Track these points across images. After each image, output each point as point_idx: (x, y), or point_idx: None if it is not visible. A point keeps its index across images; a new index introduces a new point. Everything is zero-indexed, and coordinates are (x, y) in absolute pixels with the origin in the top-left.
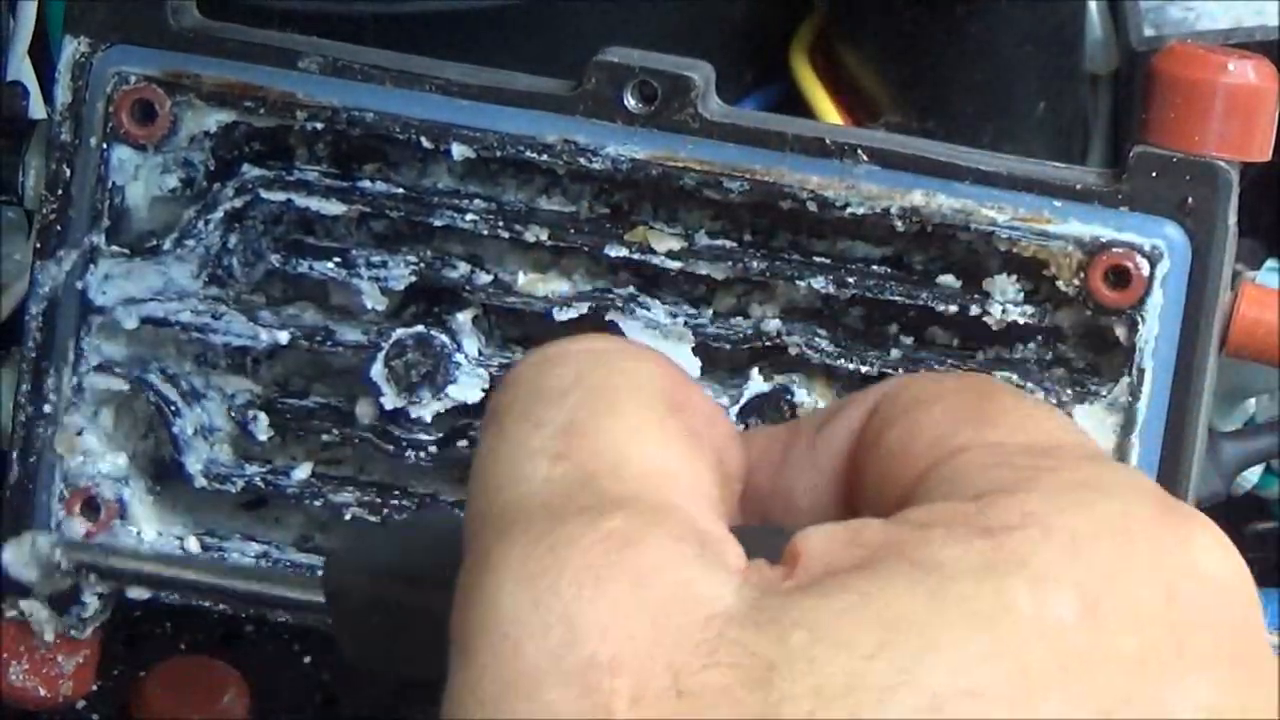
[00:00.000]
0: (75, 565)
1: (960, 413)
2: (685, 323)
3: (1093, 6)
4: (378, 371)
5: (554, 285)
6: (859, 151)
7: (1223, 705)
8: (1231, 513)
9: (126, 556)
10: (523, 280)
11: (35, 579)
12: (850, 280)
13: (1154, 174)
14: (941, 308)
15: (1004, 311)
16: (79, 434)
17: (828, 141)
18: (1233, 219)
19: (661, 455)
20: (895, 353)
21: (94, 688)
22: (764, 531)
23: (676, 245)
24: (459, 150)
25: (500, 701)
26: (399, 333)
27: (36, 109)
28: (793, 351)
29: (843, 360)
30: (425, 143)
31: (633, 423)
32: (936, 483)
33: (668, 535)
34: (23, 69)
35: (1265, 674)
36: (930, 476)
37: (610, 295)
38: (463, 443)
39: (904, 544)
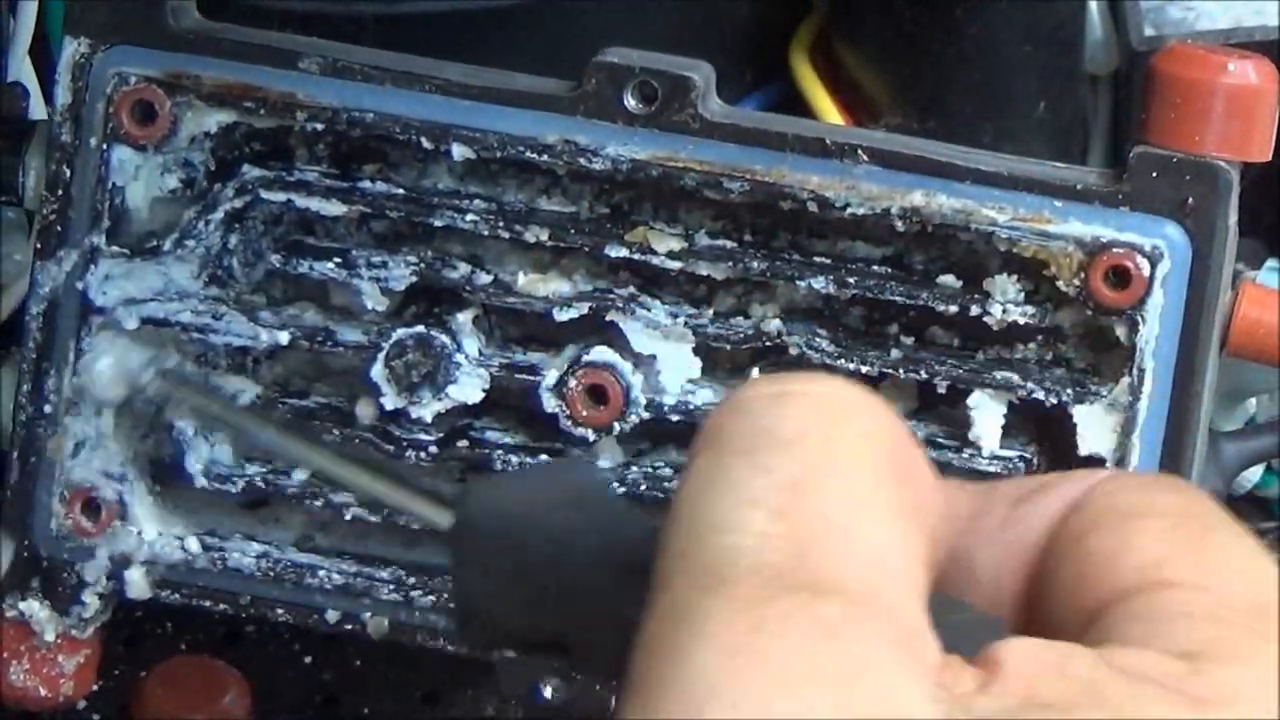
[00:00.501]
0: (162, 397)
1: (1178, 540)
2: (685, 323)
3: (1093, 6)
4: (378, 372)
5: (554, 285)
6: (859, 152)
7: None
8: (1231, 513)
9: (217, 403)
10: (523, 280)
11: (115, 397)
12: (850, 280)
13: (1154, 174)
14: (942, 308)
15: (1004, 311)
16: (78, 435)
17: (828, 142)
18: (1233, 219)
19: (882, 535)
20: (896, 353)
21: (95, 688)
22: (957, 605)
23: (677, 245)
24: (459, 151)
25: None
26: (399, 333)
27: (37, 109)
28: (793, 351)
29: (843, 360)
30: (425, 143)
31: (860, 491)
32: (1142, 614)
33: (876, 632)
34: (23, 69)
35: None
36: (1134, 602)
37: (611, 295)
38: (463, 443)
39: (1112, 695)
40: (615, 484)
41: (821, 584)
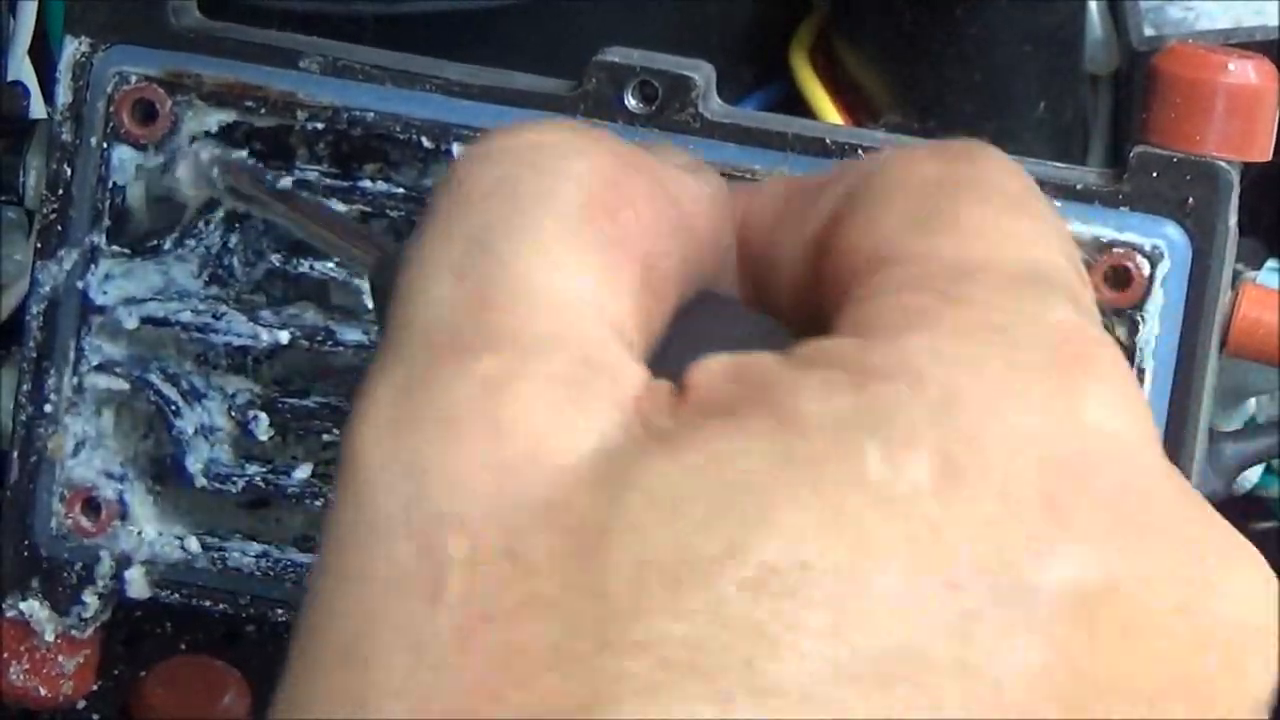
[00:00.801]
0: (228, 186)
1: (920, 209)
2: None
3: (1093, 6)
4: None
5: None
6: (859, 151)
7: (1096, 577)
8: (1231, 513)
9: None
10: None
11: (188, 188)
12: None
13: (1154, 174)
14: None
15: None
16: (78, 435)
17: (828, 141)
18: (1233, 219)
19: (565, 276)
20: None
21: (94, 687)
22: (737, 319)
23: None
24: (460, 150)
25: (349, 548)
26: None
27: (37, 109)
28: None
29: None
30: (426, 143)
31: (543, 237)
32: (855, 300)
33: (541, 377)
34: (23, 69)
35: (1155, 540)
36: (855, 289)
37: None
38: None
39: (776, 390)
40: None
41: (488, 341)
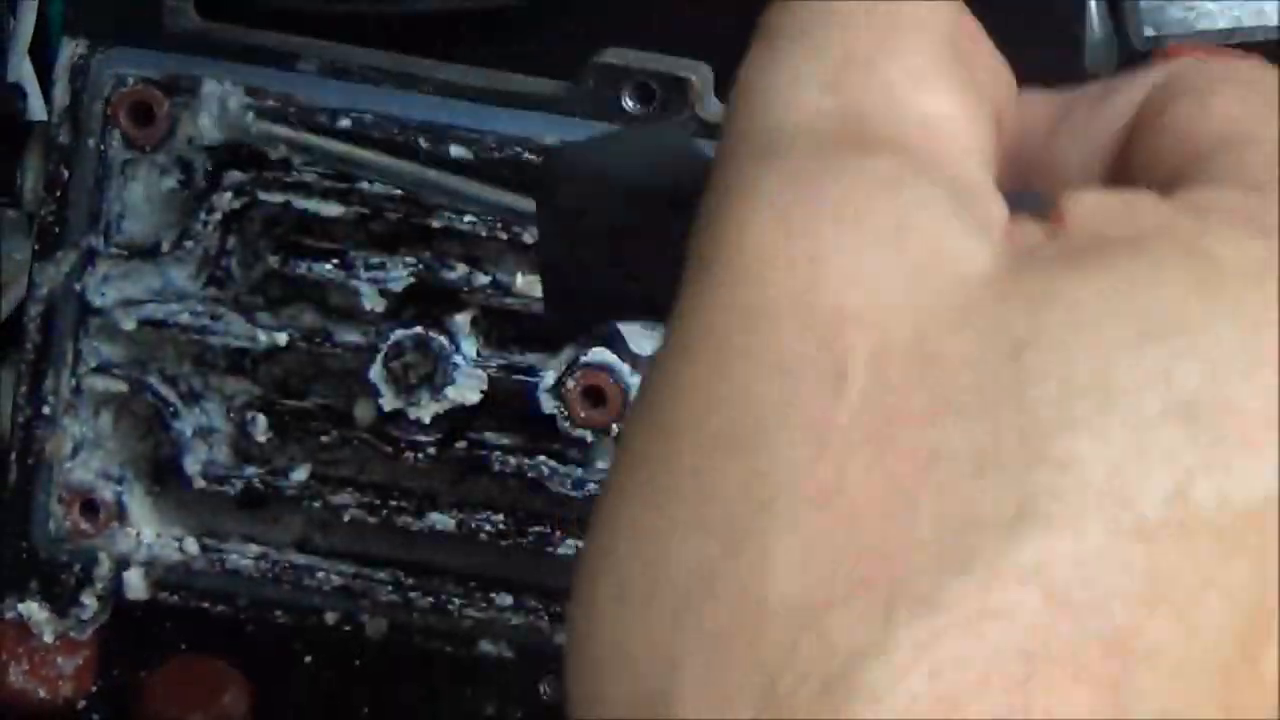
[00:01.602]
0: (263, 134)
1: (1257, 102)
2: None
3: (1093, 6)
4: (376, 373)
5: None
6: None
7: None
8: None
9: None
10: (521, 281)
11: (220, 136)
12: None
13: None
14: None
15: None
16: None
17: None
18: None
19: (939, 103)
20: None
21: (93, 688)
22: (1029, 197)
23: None
24: (457, 151)
25: (732, 334)
26: (397, 334)
27: (36, 110)
28: None
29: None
30: (424, 144)
31: (915, 65)
32: (1219, 169)
33: (933, 185)
34: (22, 70)
35: None
36: (1213, 161)
37: None
38: (461, 444)
39: (1180, 229)
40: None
41: (875, 143)
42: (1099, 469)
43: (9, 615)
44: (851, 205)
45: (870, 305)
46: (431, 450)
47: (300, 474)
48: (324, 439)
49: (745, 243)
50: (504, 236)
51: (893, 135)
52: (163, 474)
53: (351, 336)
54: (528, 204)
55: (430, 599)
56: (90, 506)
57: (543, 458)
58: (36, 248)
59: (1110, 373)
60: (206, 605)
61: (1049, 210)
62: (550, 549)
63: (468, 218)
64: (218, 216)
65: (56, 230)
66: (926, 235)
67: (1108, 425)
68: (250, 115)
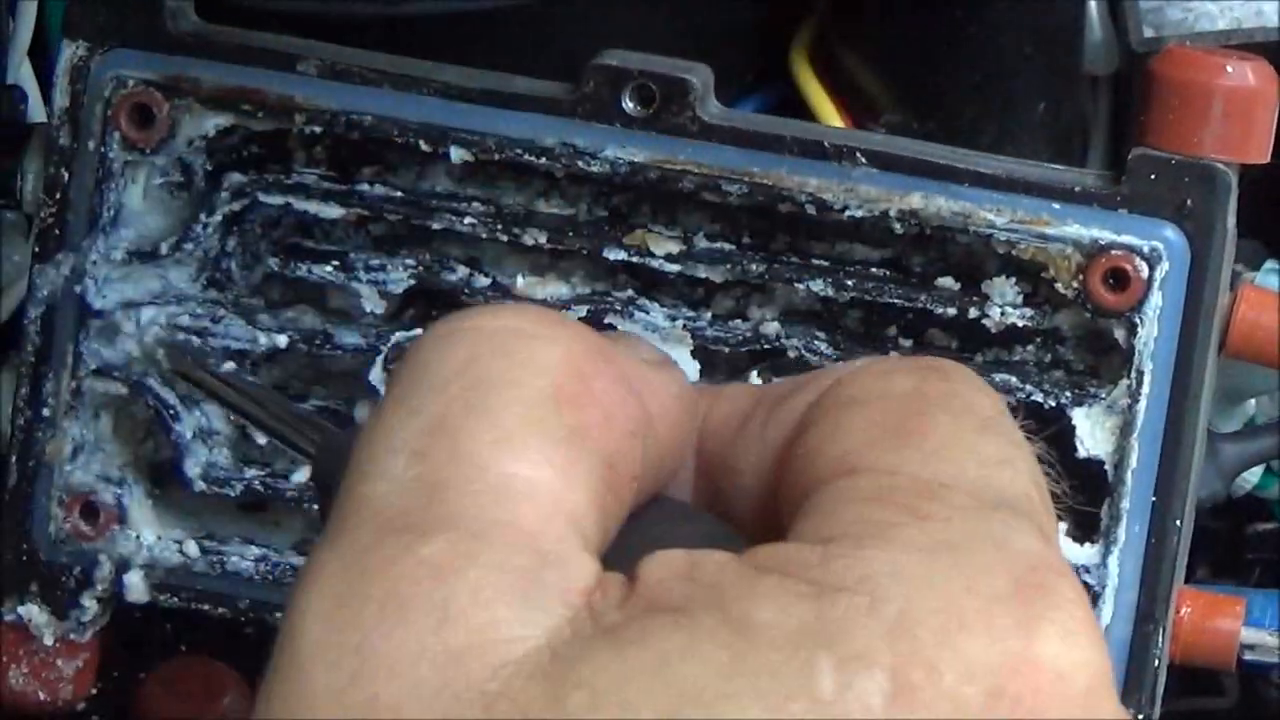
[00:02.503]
0: (171, 369)
1: (884, 424)
2: (684, 325)
3: (1092, 7)
4: (377, 375)
5: (553, 288)
6: (857, 154)
7: None
8: (1231, 513)
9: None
10: (521, 283)
11: (133, 359)
12: (849, 282)
13: (1153, 176)
14: (940, 310)
15: (1003, 314)
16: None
17: (826, 144)
18: (1232, 221)
19: (526, 466)
20: (894, 355)
21: (94, 690)
22: (690, 518)
23: (675, 248)
24: (457, 153)
25: None
26: (398, 336)
27: (36, 112)
28: (792, 354)
29: (842, 363)
30: (424, 146)
31: (504, 424)
32: (815, 506)
33: (491, 566)
34: (22, 72)
35: None
36: (818, 497)
37: (609, 298)
38: None
39: (730, 592)
40: None
41: (436, 523)
42: None
43: (9, 617)
44: (398, 595)
45: (404, 699)
46: None
47: (301, 476)
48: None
49: (302, 635)
50: (504, 238)
51: (461, 510)
52: (163, 477)
53: (352, 339)
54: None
55: None
56: (90, 509)
57: None
58: (36, 250)
59: None
60: (207, 608)
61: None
62: None
63: (468, 219)
64: (218, 218)
65: (56, 232)
66: (471, 622)
67: None
68: (161, 351)
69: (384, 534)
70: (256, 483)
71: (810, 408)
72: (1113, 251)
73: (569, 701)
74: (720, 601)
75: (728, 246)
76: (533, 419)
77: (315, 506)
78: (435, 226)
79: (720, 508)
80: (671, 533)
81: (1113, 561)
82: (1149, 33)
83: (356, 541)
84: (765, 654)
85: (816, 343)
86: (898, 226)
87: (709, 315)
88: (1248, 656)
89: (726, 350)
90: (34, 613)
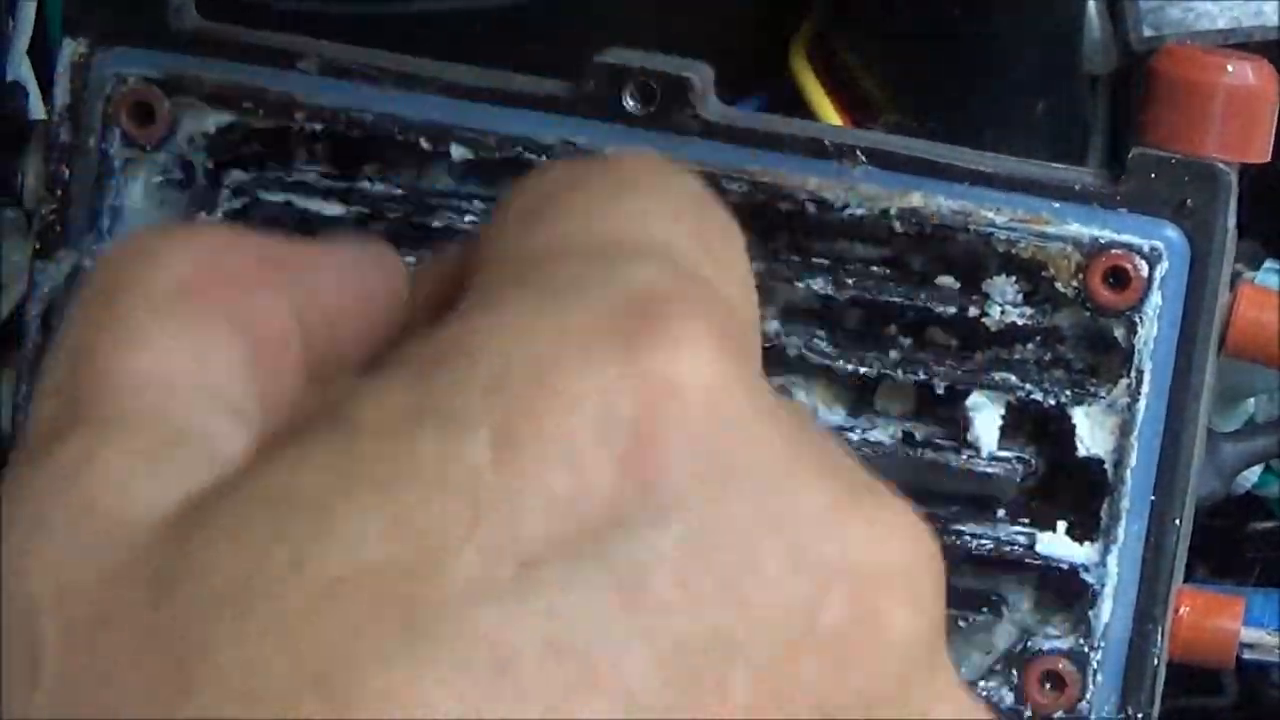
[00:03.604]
0: None
1: (531, 206)
2: None
3: (1092, 7)
4: None
5: None
6: (857, 152)
7: (688, 539)
8: (1231, 513)
9: None
10: None
11: None
12: (849, 281)
13: (1153, 175)
14: (940, 309)
15: (1003, 312)
16: None
17: (826, 143)
18: (1232, 220)
19: (153, 357)
20: (894, 354)
21: None
22: None
23: None
24: (458, 151)
25: None
26: None
27: (36, 110)
28: (791, 353)
29: (842, 361)
30: (424, 144)
31: (130, 324)
32: (453, 301)
33: (124, 451)
34: (22, 69)
35: (745, 488)
36: (457, 292)
37: None
38: None
39: (345, 398)
40: None
41: (70, 427)
42: (248, 677)
43: None
44: (39, 498)
45: (57, 592)
46: None
47: None
48: None
49: None
50: None
51: (96, 411)
52: None
53: None
54: None
55: None
56: None
57: None
58: (37, 247)
59: (255, 575)
60: None
61: None
62: None
63: (468, 217)
64: (218, 216)
65: (57, 229)
66: (107, 504)
67: (248, 629)
68: None
69: (28, 455)
70: None
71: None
72: (1112, 250)
73: (190, 543)
74: (333, 410)
75: None
76: (160, 312)
77: None
78: (436, 224)
79: None
80: None
81: (1112, 560)
82: (1149, 32)
83: (15, 459)
84: (372, 444)
85: (816, 341)
86: (898, 225)
87: None
88: (1247, 655)
89: None
90: None
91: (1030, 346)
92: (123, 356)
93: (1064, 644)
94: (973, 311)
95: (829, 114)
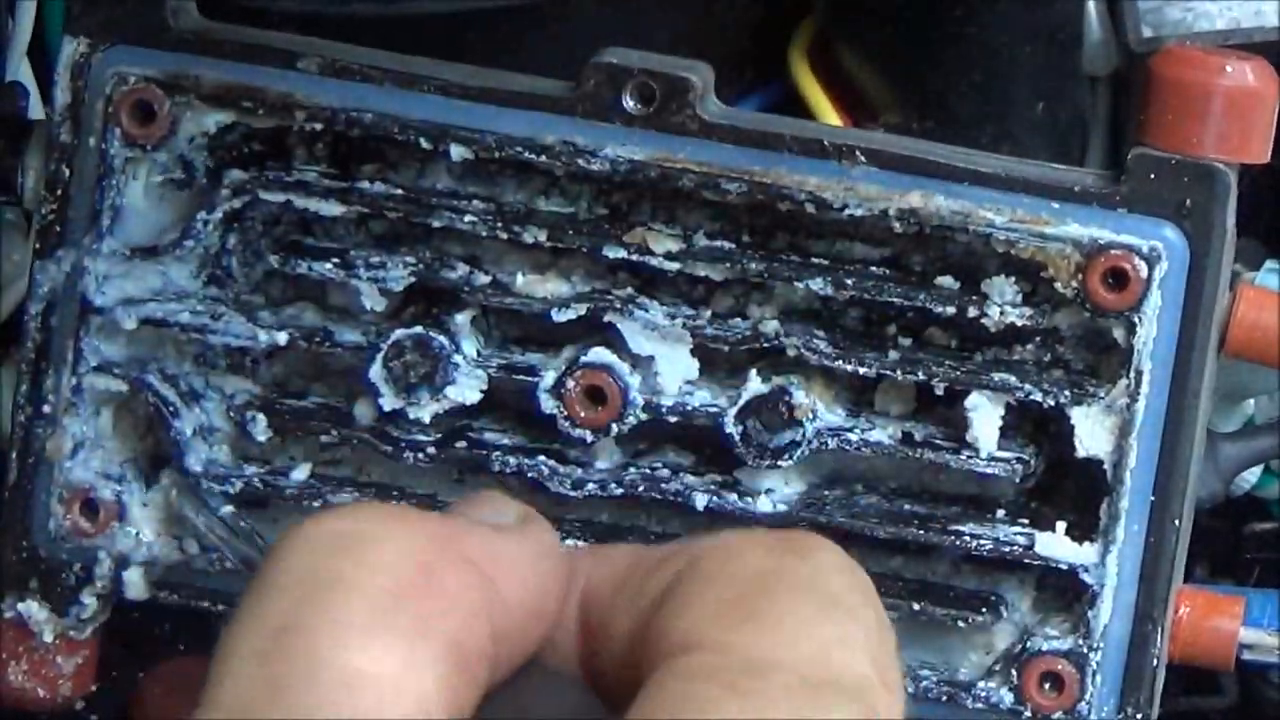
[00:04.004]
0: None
1: (728, 601)
2: (683, 324)
3: (1092, 7)
4: (376, 372)
5: (553, 286)
6: (857, 153)
7: None
8: (1231, 513)
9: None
10: (521, 281)
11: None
12: (848, 281)
13: (1152, 176)
14: (940, 309)
15: (1002, 313)
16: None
17: (826, 143)
18: (1231, 221)
19: (367, 659)
20: (894, 354)
21: (93, 688)
22: (555, 687)
23: (675, 246)
24: (457, 151)
25: None
26: (398, 334)
27: (36, 109)
28: (791, 353)
29: (841, 361)
30: (424, 143)
31: (347, 622)
32: (653, 682)
33: None
34: (22, 69)
35: None
36: (657, 672)
37: (609, 296)
38: (461, 444)
39: None
40: (613, 485)
41: (268, 707)
42: None
43: (9, 614)
44: None
45: None
46: (431, 450)
47: (300, 474)
48: (324, 439)
49: None
50: (504, 236)
51: (303, 705)
52: (163, 473)
53: (351, 336)
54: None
55: None
56: (90, 506)
57: (543, 458)
58: (37, 246)
59: None
60: (206, 605)
61: None
62: None
63: (468, 217)
64: (218, 215)
65: (57, 229)
66: None
67: None
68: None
69: None
70: (256, 480)
71: (673, 577)
72: (1112, 251)
73: None
74: None
75: (727, 245)
76: (374, 615)
77: (316, 503)
78: (435, 224)
79: (597, 669)
80: (535, 705)
81: (1111, 561)
82: (1148, 32)
83: None
84: None
85: (816, 341)
86: (897, 225)
87: (708, 313)
88: (1246, 656)
89: (726, 348)
90: (34, 609)
91: (1030, 347)
92: (338, 655)
93: (1063, 644)
94: (972, 312)
95: (828, 114)
